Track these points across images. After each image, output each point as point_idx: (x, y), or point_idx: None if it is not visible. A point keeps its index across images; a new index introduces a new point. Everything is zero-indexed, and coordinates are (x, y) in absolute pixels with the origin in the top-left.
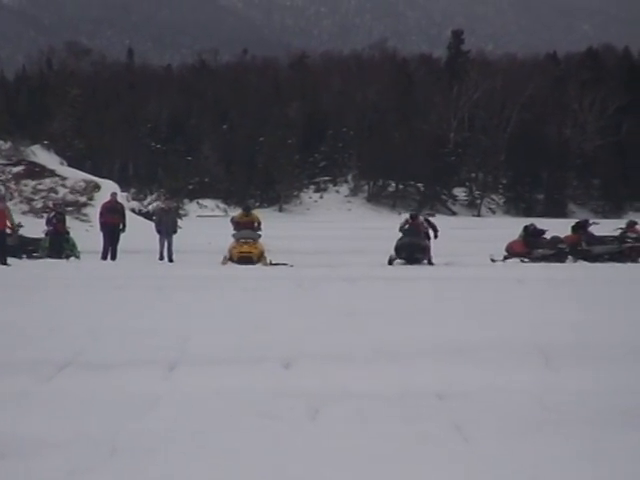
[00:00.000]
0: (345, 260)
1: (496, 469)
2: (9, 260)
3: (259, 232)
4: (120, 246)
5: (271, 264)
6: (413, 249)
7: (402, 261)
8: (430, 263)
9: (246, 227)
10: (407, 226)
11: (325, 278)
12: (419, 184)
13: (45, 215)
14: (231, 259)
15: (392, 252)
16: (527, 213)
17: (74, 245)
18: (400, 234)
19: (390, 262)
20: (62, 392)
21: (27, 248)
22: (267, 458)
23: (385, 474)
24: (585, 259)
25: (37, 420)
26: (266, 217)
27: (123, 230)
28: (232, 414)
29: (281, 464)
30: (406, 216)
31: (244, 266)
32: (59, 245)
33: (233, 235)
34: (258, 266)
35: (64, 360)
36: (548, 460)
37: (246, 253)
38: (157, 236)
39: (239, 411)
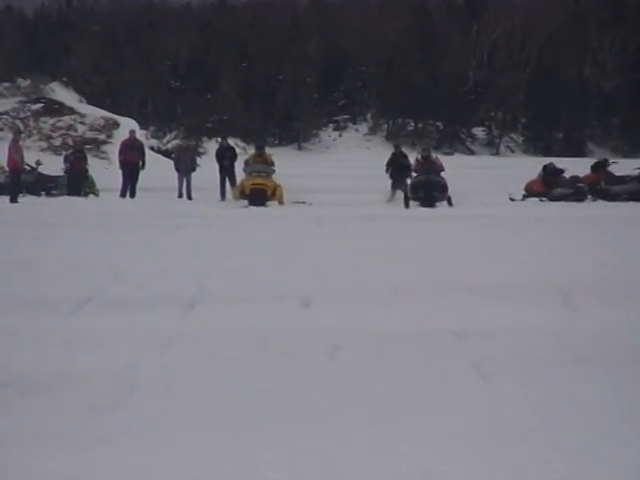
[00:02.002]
0: (364, 199)
1: (514, 407)
2: (28, 197)
3: (273, 167)
4: (139, 184)
5: (292, 202)
6: (431, 187)
7: (418, 202)
8: (450, 203)
9: None
10: (419, 166)
11: (344, 217)
12: (438, 123)
13: (64, 153)
14: (243, 192)
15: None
16: (546, 152)
17: (93, 183)
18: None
19: (406, 202)
20: (82, 329)
21: (46, 185)
22: (286, 395)
23: (403, 411)
24: (604, 198)
25: (58, 357)
26: (285, 155)
27: (142, 168)
28: (251, 351)
29: (300, 400)
30: (417, 156)
31: (262, 206)
32: (78, 183)
33: (244, 170)
34: (274, 204)
35: (84, 297)
36: (566, 399)
37: (259, 185)
38: (176, 174)
39: (258, 348)
